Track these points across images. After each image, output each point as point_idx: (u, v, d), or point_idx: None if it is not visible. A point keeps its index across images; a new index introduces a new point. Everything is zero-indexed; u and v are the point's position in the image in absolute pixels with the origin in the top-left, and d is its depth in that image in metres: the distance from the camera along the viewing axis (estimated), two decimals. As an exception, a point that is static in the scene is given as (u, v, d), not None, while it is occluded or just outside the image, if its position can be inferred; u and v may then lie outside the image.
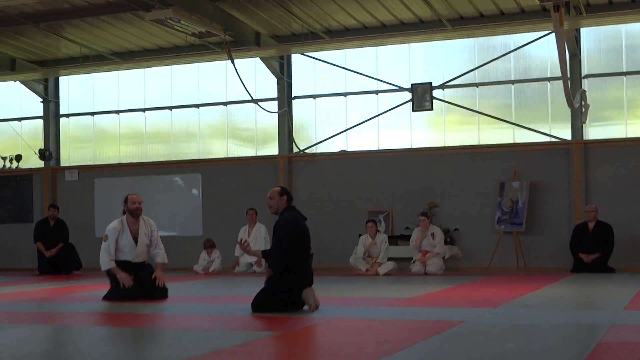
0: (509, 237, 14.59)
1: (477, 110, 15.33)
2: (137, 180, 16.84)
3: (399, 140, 15.85)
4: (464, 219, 15.02)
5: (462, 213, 15.02)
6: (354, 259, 13.86)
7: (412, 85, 15.42)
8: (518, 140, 15.08)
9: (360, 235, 14.18)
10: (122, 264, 9.18)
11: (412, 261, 13.93)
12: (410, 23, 14.89)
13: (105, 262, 9.16)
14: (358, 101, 16.18)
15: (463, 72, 15.43)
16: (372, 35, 15.08)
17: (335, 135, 16.24)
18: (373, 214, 15.28)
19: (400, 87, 15.75)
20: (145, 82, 17.57)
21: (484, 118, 15.30)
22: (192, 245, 15.94)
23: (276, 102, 16.45)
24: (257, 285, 7.93)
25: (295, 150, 16.40)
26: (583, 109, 13.76)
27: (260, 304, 7.41)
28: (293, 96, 16.52)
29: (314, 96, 16.43)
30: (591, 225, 13.60)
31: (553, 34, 12.93)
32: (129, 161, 17.57)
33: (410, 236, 14.13)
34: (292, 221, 7.57)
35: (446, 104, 15.50)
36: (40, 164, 18.11)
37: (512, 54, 15.16)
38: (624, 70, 14.69)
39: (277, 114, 16.32)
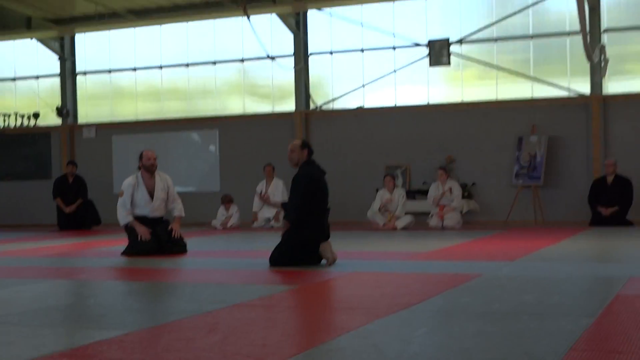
0: (527, 191, 14.56)
1: (495, 65, 15.22)
2: (155, 137, 16.89)
3: (416, 96, 15.77)
4: (482, 173, 14.99)
5: (480, 168, 14.99)
6: (371, 214, 13.87)
7: (429, 41, 15.25)
8: (536, 95, 14.97)
9: (377, 190, 14.19)
10: (140, 220, 9.24)
11: (429, 215, 13.94)
12: (428, -23, 14.77)
13: (123, 216, 9.24)
14: (375, 57, 16.07)
15: (481, 27, 15.28)
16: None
17: (352, 92, 16.17)
18: (390, 169, 15.26)
19: (417, 43, 15.63)
20: (161, 39, 17.53)
21: (502, 73, 15.16)
22: (210, 200, 16.00)
23: (292, 58, 16.38)
24: (274, 240, 7.95)
25: (312, 106, 16.36)
26: (602, 64, 13.61)
27: (278, 259, 7.43)
28: (309, 52, 16.43)
29: (331, 52, 16.34)
30: (610, 179, 13.53)
31: (572, -13, 12.77)
32: (146, 118, 17.60)
33: (427, 191, 14.12)
34: (311, 174, 7.56)
35: (464, 59, 15.39)
36: (57, 121, 18.18)
37: (530, 8, 14.99)
38: (645, 23, 14.54)
39: (293, 71, 16.26)
